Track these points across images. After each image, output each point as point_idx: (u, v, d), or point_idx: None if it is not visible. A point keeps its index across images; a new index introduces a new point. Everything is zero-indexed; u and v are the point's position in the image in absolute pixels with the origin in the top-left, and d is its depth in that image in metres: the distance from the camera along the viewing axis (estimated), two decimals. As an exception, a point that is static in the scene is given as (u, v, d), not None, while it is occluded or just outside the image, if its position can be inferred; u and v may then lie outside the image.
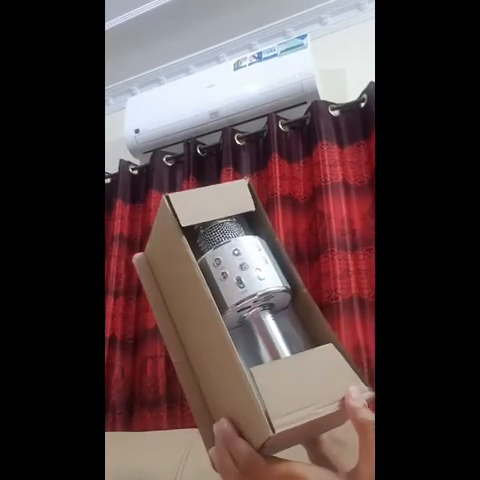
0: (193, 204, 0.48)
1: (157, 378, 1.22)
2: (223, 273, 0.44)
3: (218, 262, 0.45)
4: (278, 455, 0.41)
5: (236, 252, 0.45)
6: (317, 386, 0.39)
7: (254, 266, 0.44)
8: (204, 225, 0.48)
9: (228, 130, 1.42)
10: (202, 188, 0.53)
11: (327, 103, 1.33)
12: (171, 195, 0.47)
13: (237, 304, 0.43)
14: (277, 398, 0.37)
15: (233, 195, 0.51)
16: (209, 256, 0.46)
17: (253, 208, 0.50)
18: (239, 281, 0.43)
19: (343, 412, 0.39)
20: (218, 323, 0.41)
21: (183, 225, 0.45)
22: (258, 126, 1.42)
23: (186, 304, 0.47)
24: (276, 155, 1.31)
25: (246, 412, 0.38)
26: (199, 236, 0.49)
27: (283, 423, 0.36)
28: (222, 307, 0.43)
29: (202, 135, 1.49)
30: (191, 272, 0.44)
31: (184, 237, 0.45)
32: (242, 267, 0.44)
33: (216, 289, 0.43)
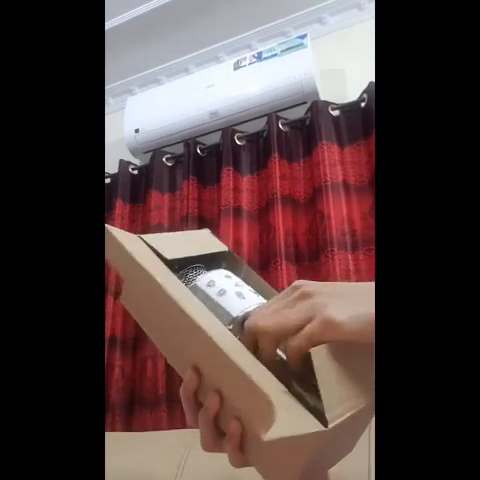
0: (168, 243, 0.51)
1: (157, 378, 1.22)
2: (220, 290, 0.45)
3: (212, 283, 0.46)
4: None
5: (227, 276, 0.48)
6: (361, 373, 0.38)
7: (246, 286, 0.48)
8: (181, 266, 0.50)
9: (228, 130, 1.42)
10: (170, 233, 0.56)
11: (327, 103, 1.33)
12: (143, 236, 0.50)
13: (243, 312, 0.43)
14: (332, 388, 0.36)
15: (202, 238, 0.55)
16: (201, 280, 0.47)
17: (226, 248, 0.54)
18: (239, 294, 0.45)
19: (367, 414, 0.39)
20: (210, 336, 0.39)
21: (169, 258, 0.47)
22: (258, 126, 1.42)
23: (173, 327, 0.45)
24: (276, 155, 1.31)
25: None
26: (180, 276, 0.50)
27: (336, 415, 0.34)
28: (226, 319, 0.43)
29: (202, 135, 1.49)
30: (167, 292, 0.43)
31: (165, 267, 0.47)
32: (237, 285, 0.47)
33: (215, 305, 0.44)
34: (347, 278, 1.11)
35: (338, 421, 0.35)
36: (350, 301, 0.38)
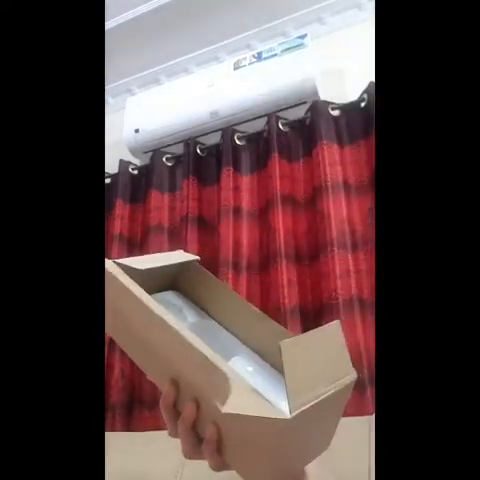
0: (139, 260, 0.53)
1: (157, 378, 1.22)
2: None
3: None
4: None
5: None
6: (329, 364, 0.39)
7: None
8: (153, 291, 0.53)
9: (228, 130, 1.42)
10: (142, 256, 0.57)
11: (327, 103, 1.33)
12: (116, 261, 0.51)
13: None
14: (298, 377, 0.36)
15: (175, 255, 0.58)
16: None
17: (198, 257, 0.56)
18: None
19: (343, 398, 0.39)
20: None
21: (143, 268, 0.49)
22: (258, 126, 1.42)
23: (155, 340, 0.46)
24: (276, 155, 1.31)
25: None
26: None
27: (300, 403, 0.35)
28: None
29: (202, 135, 1.49)
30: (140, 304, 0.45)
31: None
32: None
33: None
34: (347, 278, 1.11)
35: (302, 409, 0.35)
36: None
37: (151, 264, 0.51)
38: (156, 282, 0.54)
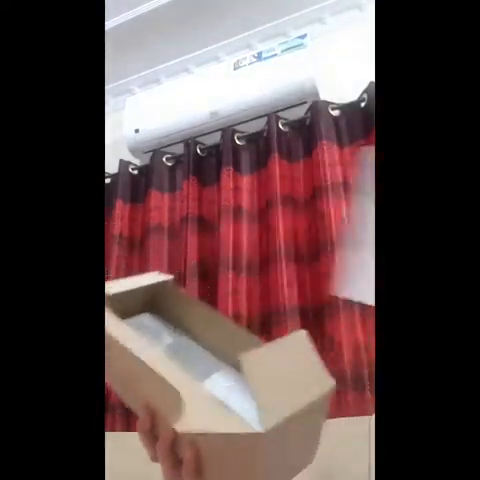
0: (114, 284, 0.53)
1: (157, 378, 1.22)
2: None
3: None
4: None
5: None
6: (299, 375, 0.38)
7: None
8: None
9: (228, 130, 1.42)
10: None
11: (327, 103, 1.33)
12: None
13: None
14: (264, 390, 0.36)
15: (149, 276, 0.58)
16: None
17: (171, 277, 0.56)
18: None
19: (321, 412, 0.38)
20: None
21: (112, 293, 0.49)
22: (258, 126, 1.42)
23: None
24: (276, 155, 1.31)
25: None
26: None
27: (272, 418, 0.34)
28: None
29: (202, 135, 1.49)
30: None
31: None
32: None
33: None
34: (347, 278, 1.11)
35: (275, 423, 0.34)
36: None
37: (120, 288, 0.51)
38: (133, 306, 0.54)
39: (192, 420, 0.36)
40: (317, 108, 1.31)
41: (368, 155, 0.42)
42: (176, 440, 0.39)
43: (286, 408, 0.35)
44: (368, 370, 1.03)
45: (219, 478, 0.39)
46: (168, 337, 0.52)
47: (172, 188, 1.51)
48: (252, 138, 1.43)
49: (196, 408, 0.37)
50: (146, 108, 1.56)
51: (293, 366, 0.38)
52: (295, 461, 0.42)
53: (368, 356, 1.04)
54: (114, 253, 1.41)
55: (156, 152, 1.53)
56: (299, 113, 1.38)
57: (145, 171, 1.56)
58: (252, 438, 0.34)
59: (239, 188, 1.36)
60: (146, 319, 0.54)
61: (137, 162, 1.62)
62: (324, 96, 1.36)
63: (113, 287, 0.50)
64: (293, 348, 0.38)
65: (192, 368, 0.41)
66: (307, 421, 0.38)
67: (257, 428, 0.33)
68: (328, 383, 0.39)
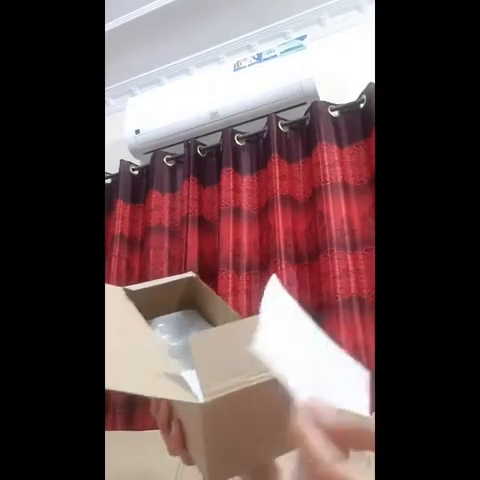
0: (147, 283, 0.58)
1: (157, 378, 1.22)
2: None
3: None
4: None
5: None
6: (249, 356, 0.39)
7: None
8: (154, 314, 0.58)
9: (228, 131, 1.43)
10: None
11: (327, 104, 1.33)
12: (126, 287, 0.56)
13: None
14: (210, 368, 0.38)
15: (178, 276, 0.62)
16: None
17: (192, 274, 0.60)
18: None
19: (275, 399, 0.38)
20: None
21: (133, 289, 0.54)
22: (258, 127, 1.42)
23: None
24: (276, 155, 1.31)
25: None
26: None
27: (215, 391, 0.36)
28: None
29: (202, 136, 1.50)
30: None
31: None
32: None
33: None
34: (346, 278, 1.12)
35: (218, 396, 0.36)
36: None
37: (142, 286, 0.56)
38: (171, 303, 0.58)
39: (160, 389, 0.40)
40: (317, 109, 1.31)
41: None
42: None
43: (229, 385, 0.37)
44: (367, 370, 1.03)
45: (192, 449, 0.42)
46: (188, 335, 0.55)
47: (172, 188, 1.51)
48: (252, 139, 1.44)
49: (165, 382, 0.40)
50: (146, 109, 1.57)
51: (244, 349, 0.38)
52: (263, 442, 0.43)
53: (367, 356, 1.04)
54: (114, 253, 1.41)
55: (156, 153, 1.53)
56: (299, 114, 1.38)
57: (146, 171, 1.56)
58: (197, 408, 0.37)
59: (239, 188, 1.37)
60: (183, 315, 0.58)
61: (138, 162, 1.62)
62: (323, 97, 1.37)
63: (140, 286, 0.55)
64: (247, 332, 0.38)
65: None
66: (262, 401, 0.39)
67: (197, 400, 0.37)
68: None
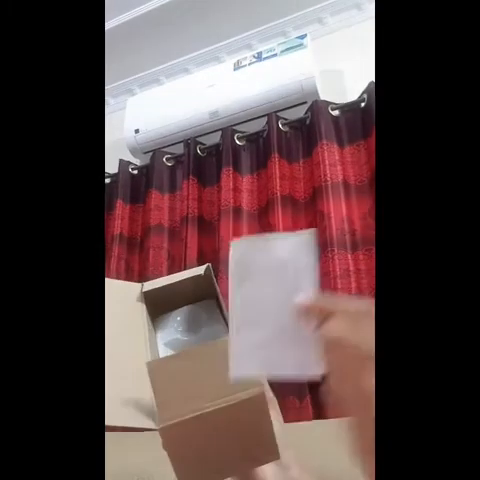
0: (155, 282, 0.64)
1: (157, 378, 1.22)
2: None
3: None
4: None
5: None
6: (209, 382, 0.40)
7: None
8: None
9: (228, 130, 1.42)
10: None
11: (327, 103, 1.33)
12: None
13: None
14: (167, 394, 0.39)
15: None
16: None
17: (201, 272, 0.64)
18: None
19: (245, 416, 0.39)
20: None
21: (144, 290, 0.57)
22: (258, 126, 1.42)
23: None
24: (276, 155, 1.31)
25: None
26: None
27: (168, 418, 0.38)
28: None
29: (202, 135, 1.49)
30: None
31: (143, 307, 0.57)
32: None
33: None
34: (347, 278, 1.11)
35: (171, 422, 0.38)
36: None
37: (161, 283, 0.61)
38: (191, 294, 0.62)
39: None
40: (317, 108, 1.31)
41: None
42: None
43: (181, 413, 0.38)
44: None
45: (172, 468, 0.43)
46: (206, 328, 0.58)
47: (172, 188, 1.51)
48: (252, 138, 1.43)
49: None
50: (146, 108, 1.56)
51: (209, 373, 0.39)
52: (236, 458, 0.43)
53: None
54: (114, 253, 1.41)
55: (156, 152, 1.53)
56: (299, 113, 1.38)
57: (145, 171, 1.56)
58: (161, 433, 0.39)
59: (239, 188, 1.36)
60: (203, 306, 0.62)
61: (137, 162, 1.62)
62: (324, 96, 1.36)
63: (157, 283, 0.59)
64: (212, 355, 0.40)
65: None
66: (229, 423, 0.40)
67: (155, 426, 0.39)
68: (254, 388, 0.40)
